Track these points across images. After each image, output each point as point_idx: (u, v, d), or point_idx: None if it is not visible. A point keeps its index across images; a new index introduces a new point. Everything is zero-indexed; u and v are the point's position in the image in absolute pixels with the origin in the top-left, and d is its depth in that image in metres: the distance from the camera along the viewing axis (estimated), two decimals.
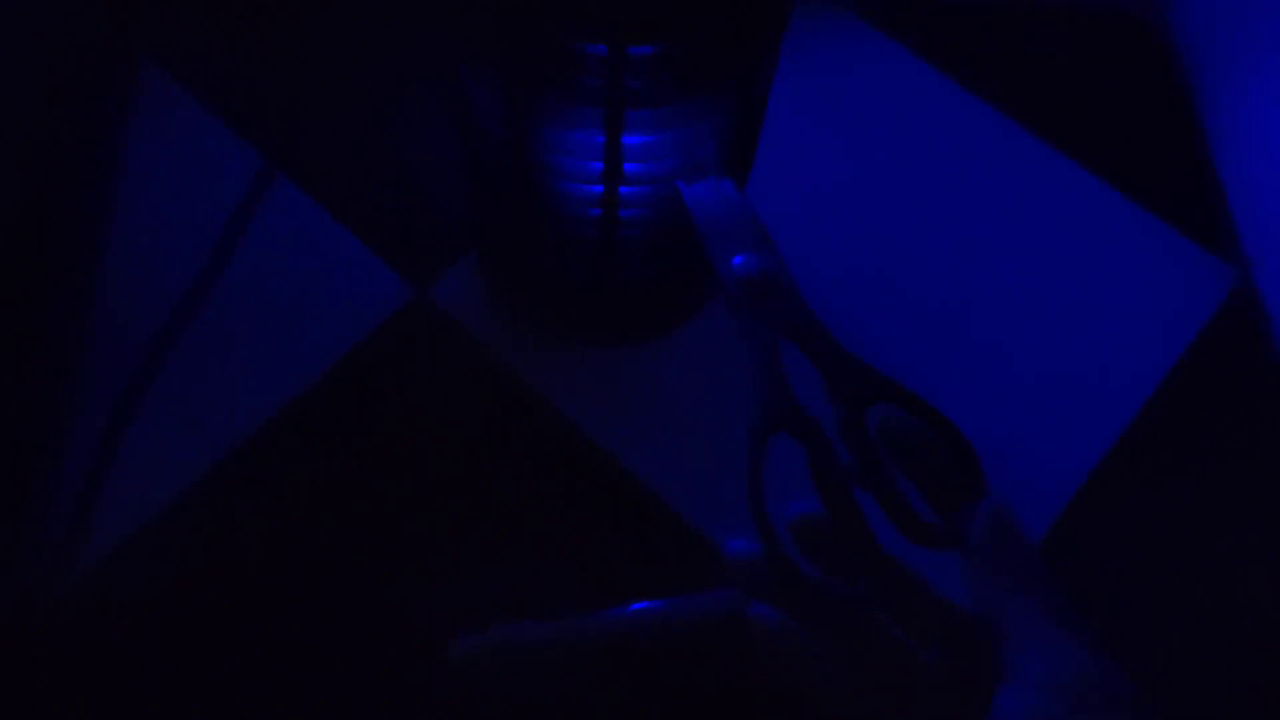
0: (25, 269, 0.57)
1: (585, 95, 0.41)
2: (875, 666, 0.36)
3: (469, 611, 0.48)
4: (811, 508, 0.37)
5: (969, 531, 0.35)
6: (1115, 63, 0.70)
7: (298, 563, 0.52)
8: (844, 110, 0.67)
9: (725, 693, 0.47)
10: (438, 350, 0.58)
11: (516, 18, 0.39)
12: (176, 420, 0.55)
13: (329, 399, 0.56)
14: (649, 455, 0.55)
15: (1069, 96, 0.69)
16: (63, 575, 0.51)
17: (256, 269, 0.59)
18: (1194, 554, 0.55)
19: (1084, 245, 0.63)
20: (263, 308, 0.58)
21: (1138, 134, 0.68)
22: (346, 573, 0.52)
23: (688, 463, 0.55)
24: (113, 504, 0.53)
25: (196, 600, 0.51)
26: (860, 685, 0.36)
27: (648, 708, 0.49)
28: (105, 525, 0.52)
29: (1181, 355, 0.60)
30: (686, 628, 0.44)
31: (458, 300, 0.59)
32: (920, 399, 0.38)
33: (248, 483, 0.54)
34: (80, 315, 0.57)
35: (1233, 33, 0.66)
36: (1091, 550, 0.55)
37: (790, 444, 0.37)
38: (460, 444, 0.55)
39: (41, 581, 0.51)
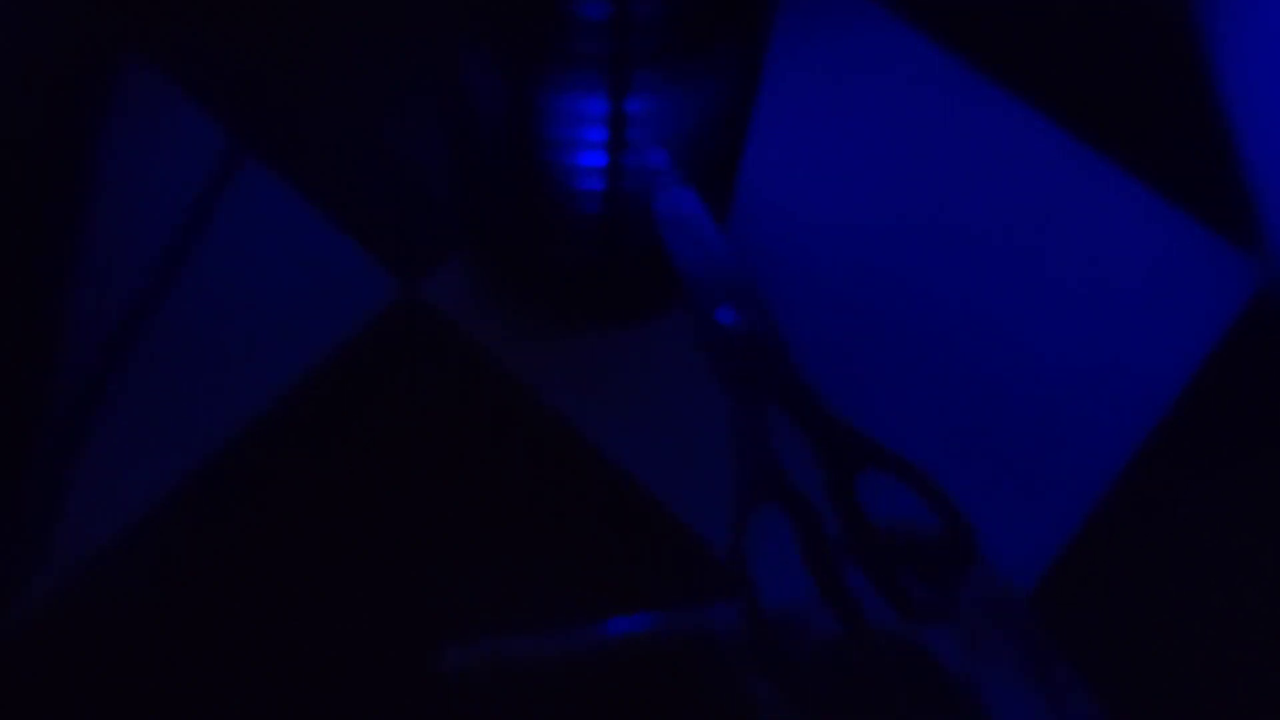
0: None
1: (587, 61, 0.41)
2: None
3: (459, 616, 0.49)
4: None
5: (957, 604, 0.36)
6: (1135, 45, 0.70)
7: (278, 572, 0.52)
8: (849, 94, 0.67)
9: (716, 707, 0.48)
10: (428, 348, 0.57)
11: None
12: (149, 426, 0.54)
13: (313, 400, 0.55)
14: (643, 453, 0.55)
15: (1086, 81, 0.68)
16: (24, 590, 0.50)
17: (236, 264, 0.58)
18: (1222, 564, 0.55)
19: (1101, 238, 0.63)
20: (243, 304, 0.57)
21: (1159, 121, 0.67)
22: (332, 579, 0.52)
23: (683, 460, 0.55)
24: (77, 518, 0.52)
25: (171, 613, 0.51)
26: None
27: None
28: (70, 540, 0.51)
29: (1205, 358, 0.60)
30: (680, 641, 0.45)
31: (449, 296, 0.58)
32: (910, 464, 0.37)
33: (226, 489, 0.53)
34: (53, 312, 0.56)
35: (1261, 14, 0.66)
36: (1113, 561, 0.54)
37: (776, 511, 0.37)
38: (451, 444, 0.55)
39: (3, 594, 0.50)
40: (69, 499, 0.52)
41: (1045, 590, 0.53)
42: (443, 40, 0.45)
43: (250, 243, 0.59)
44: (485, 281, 0.59)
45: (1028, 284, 0.61)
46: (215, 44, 0.64)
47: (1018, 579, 0.53)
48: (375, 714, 0.49)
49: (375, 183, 0.61)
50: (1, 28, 0.58)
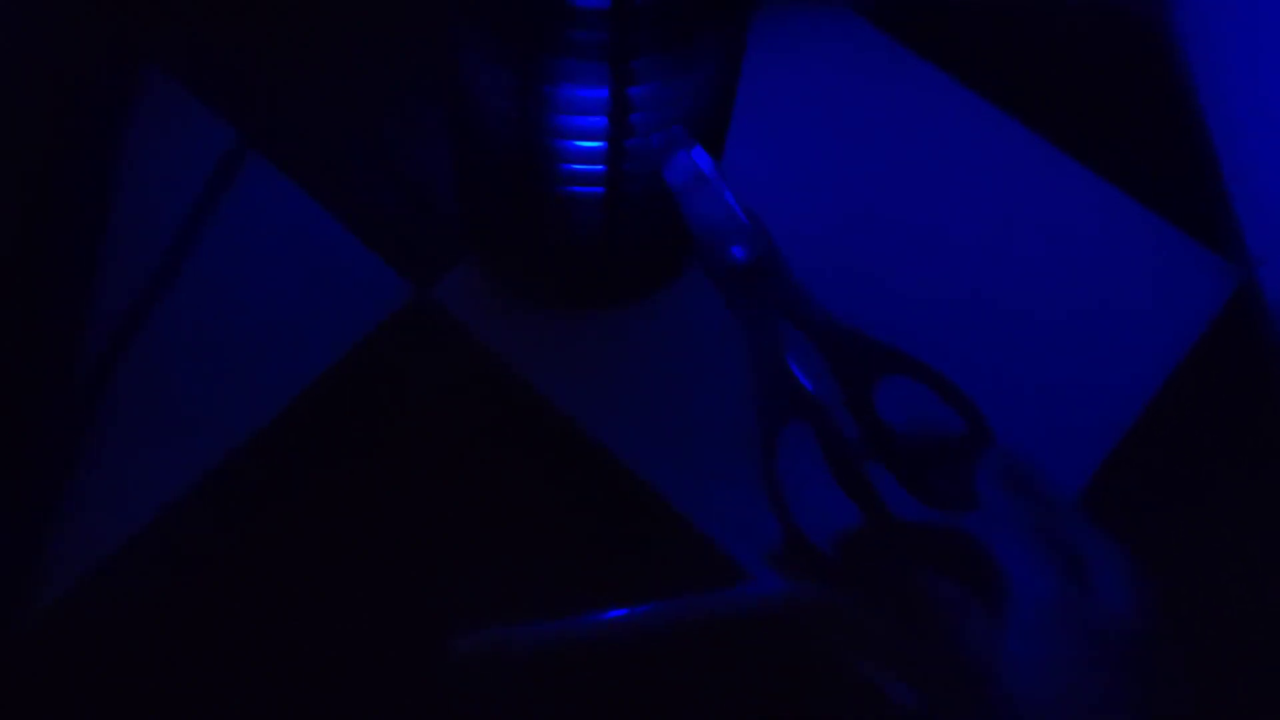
0: (19, 273, 0.56)
1: (589, 51, 0.42)
2: (906, 628, 0.37)
3: (470, 609, 0.48)
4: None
5: (978, 486, 0.36)
6: (1117, 59, 0.70)
7: (296, 566, 0.52)
8: (839, 107, 0.67)
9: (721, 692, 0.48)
10: (439, 347, 0.57)
11: None
12: (171, 424, 0.55)
13: (332, 396, 0.56)
14: (645, 447, 0.55)
15: (1070, 93, 0.68)
16: (41, 588, 0.51)
17: (253, 268, 0.59)
18: (1197, 558, 0.55)
19: (1085, 244, 0.63)
20: (263, 308, 0.58)
21: (1140, 131, 0.67)
22: (347, 575, 0.52)
23: (689, 460, 0.55)
24: (108, 506, 0.52)
25: (192, 596, 0.51)
26: (897, 649, 0.37)
27: (645, 710, 0.50)
28: (91, 536, 0.51)
29: (1184, 357, 0.59)
30: (685, 629, 0.45)
31: (460, 299, 0.58)
32: (923, 364, 0.38)
33: (247, 483, 0.53)
34: (73, 309, 0.57)
35: (1236, 29, 0.66)
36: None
37: (799, 427, 0.38)
38: (462, 444, 0.55)
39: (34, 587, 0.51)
40: (98, 489, 0.52)
41: None
42: (447, 34, 0.46)
43: (272, 250, 0.59)
44: (493, 279, 0.59)
45: (1015, 286, 0.61)
46: (230, 56, 0.64)
47: None
48: (385, 703, 0.49)
49: (391, 194, 0.62)
50: (12, 34, 0.57)
